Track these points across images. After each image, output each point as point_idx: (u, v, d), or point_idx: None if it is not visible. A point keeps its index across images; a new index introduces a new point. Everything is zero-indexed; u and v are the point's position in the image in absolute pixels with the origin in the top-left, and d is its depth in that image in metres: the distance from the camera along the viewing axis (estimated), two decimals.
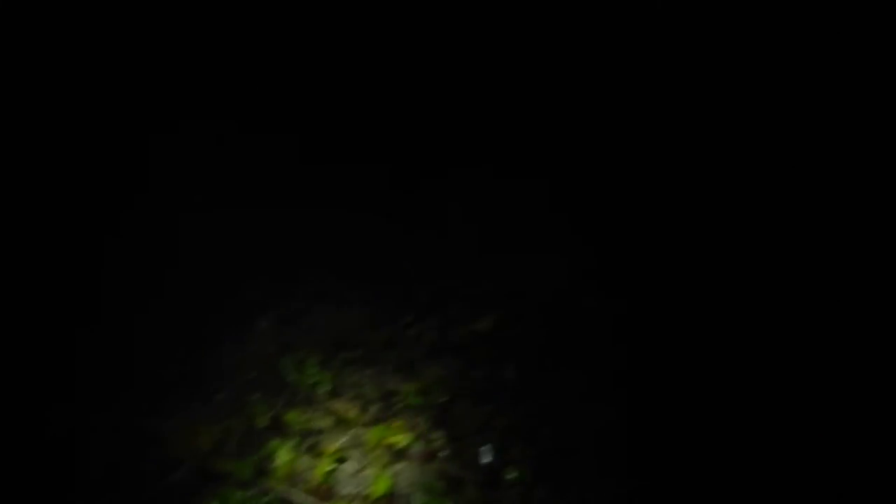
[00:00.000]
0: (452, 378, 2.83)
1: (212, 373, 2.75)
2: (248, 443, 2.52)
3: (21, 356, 2.66)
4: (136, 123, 3.26)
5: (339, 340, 2.92)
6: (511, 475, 2.52)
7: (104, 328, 2.80)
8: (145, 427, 2.49)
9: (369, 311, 3.04)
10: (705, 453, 2.50)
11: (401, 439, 2.58)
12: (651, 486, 2.46)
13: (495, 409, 2.73)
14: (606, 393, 2.74)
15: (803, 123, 3.12)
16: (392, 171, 3.39)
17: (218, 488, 2.34)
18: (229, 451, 2.48)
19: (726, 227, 3.02)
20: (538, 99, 3.40)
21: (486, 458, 2.56)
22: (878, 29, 3.04)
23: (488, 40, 3.37)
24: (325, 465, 2.46)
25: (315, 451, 2.53)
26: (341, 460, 2.50)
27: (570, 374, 2.81)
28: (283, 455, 2.47)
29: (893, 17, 2.98)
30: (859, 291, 2.76)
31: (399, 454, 2.55)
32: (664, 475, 2.48)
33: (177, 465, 2.41)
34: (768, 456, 2.45)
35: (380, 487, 2.42)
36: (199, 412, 2.58)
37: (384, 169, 3.37)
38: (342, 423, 2.64)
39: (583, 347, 2.89)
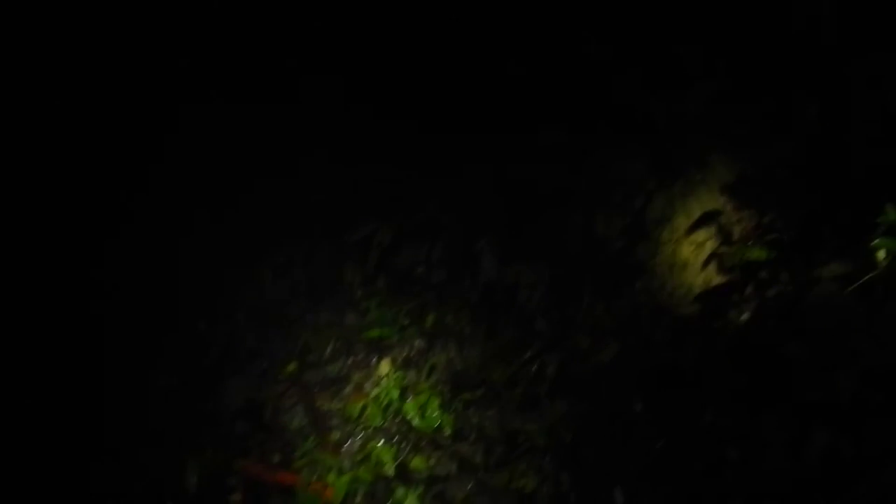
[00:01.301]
0: (577, 414, 2.73)
1: (337, 421, 2.82)
2: (377, 492, 2.55)
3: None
4: None
5: (460, 380, 2.91)
6: None
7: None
8: (275, 482, 2.58)
9: (489, 348, 3.00)
10: None
11: (528, 483, 2.52)
12: None
13: (624, 446, 2.61)
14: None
15: None
16: None
17: None
18: (359, 501, 2.52)
19: None
20: None
21: (619, 500, 2.45)
22: None
23: None
24: None
25: (442, 499, 2.52)
26: None
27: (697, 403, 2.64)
28: None
29: None
30: None
31: (527, 499, 2.49)
32: None
33: None
34: None
35: None
36: (329, 463, 2.63)
37: None
38: (467, 468, 2.61)
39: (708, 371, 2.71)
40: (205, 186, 3.29)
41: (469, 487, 2.53)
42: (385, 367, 2.98)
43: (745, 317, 2.80)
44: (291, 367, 3.07)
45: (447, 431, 2.72)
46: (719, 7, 3.14)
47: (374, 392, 2.89)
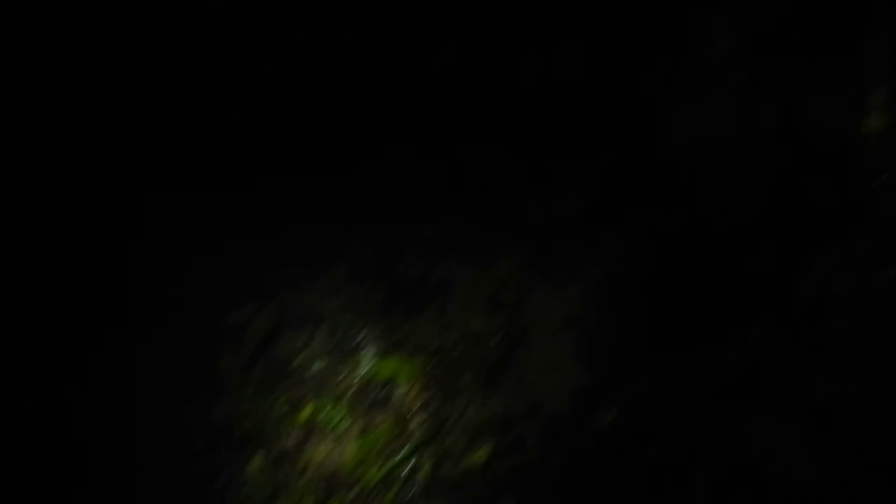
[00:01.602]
0: None
1: None
2: None
3: None
4: None
5: (333, 480, 2.85)
6: None
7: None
8: None
9: (364, 445, 2.97)
10: None
11: None
12: None
13: None
14: None
15: None
16: None
17: None
18: None
19: None
20: None
21: None
22: None
23: None
24: None
25: None
26: None
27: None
28: None
29: None
30: None
31: None
32: None
33: None
34: None
35: None
36: None
37: None
38: None
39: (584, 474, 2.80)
40: (71, 269, 3.13)
41: None
42: (256, 463, 2.89)
43: (610, 416, 2.93)
44: (153, 465, 2.91)
45: None
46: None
47: (242, 494, 2.78)
